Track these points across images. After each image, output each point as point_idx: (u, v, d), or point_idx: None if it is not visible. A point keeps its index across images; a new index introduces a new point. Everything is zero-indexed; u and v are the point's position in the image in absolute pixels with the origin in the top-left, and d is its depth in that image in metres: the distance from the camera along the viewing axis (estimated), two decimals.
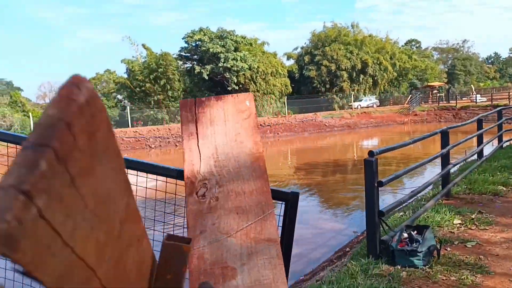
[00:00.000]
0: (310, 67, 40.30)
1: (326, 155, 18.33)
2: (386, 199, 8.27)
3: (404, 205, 4.10)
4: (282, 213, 1.88)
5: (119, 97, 41.05)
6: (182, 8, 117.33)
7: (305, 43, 44.64)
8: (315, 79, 40.08)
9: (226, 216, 1.54)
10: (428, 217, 4.07)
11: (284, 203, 1.86)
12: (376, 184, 2.99)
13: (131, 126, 30.02)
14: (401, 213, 4.53)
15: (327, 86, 40.58)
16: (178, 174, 1.85)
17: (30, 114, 30.27)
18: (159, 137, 26.59)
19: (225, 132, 1.61)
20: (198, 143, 1.65)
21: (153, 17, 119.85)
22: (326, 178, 12.27)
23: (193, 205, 1.60)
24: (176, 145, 26.16)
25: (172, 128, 27.57)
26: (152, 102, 35.25)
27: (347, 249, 6.04)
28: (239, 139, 1.58)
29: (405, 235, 3.03)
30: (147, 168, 2.03)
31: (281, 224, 1.86)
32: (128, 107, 32.82)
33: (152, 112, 34.79)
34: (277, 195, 1.79)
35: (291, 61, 44.41)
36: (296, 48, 45.06)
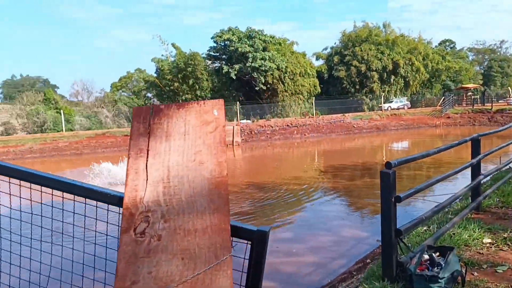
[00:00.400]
0: (339, 68, 39.64)
1: (353, 157, 17.85)
2: (407, 209, 7.87)
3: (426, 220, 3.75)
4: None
5: (149, 95, 41.63)
6: (215, 8, 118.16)
7: (335, 43, 44.03)
8: (344, 80, 39.39)
9: (167, 262, 1.23)
10: (454, 234, 3.72)
11: (249, 243, 1.51)
12: (393, 200, 2.70)
13: None
14: (424, 227, 4.18)
15: (357, 87, 39.81)
16: (119, 200, 1.51)
17: (61, 111, 31.04)
18: None
19: (183, 149, 1.30)
20: (147, 163, 1.33)
21: (185, 17, 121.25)
22: (353, 182, 11.87)
23: (128, 245, 1.30)
24: None
25: None
26: (180, 101, 35.51)
27: (368, 260, 5.72)
28: (199, 159, 1.27)
29: (426, 257, 2.73)
30: (80, 191, 1.70)
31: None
32: None
33: None
34: (239, 233, 1.48)
35: (321, 61, 43.88)
36: (326, 48, 44.49)
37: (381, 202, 2.73)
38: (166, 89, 36.18)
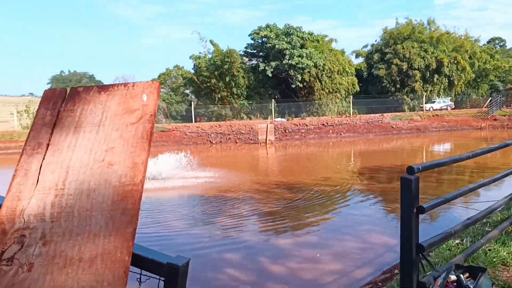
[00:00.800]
0: (379, 66, 38.46)
1: (390, 159, 17.17)
2: (437, 216, 7.34)
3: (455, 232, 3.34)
4: None
5: (187, 92, 42.08)
6: (255, 5, 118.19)
7: (375, 40, 42.75)
8: (384, 79, 38.18)
9: None
10: (490, 250, 3.30)
11: (161, 278, 1.13)
12: (415, 210, 2.36)
13: (195, 121, 30.56)
14: (457, 240, 3.76)
15: (397, 86, 38.49)
16: None
17: None
18: (220, 133, 26.72)
19: (92, 145, 0.97)
20: (42, 162, 1.02)
21: (226, 15, 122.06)
22: (388, 185, 11.33)
23: None
24: (237, 142, 26.13)
25: (234, 124, 27.59)
26: (217, 99, 35.64)
27: (396, 270, 5.32)
28: (109, 159, 0.94)
29: (453, 277, 2.37)
30: None
31: None
32: (192, 103, 33.45)
33: (216, 108, 35.18)
34: (145, 264, 1.12)
35: (360, 59, 42.74)
36: (366, 46, 43.26)
37: (401, 212, 2.40)
38: (203, 86, 36.40)
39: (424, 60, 37.34)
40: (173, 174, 12.61)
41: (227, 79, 34.79)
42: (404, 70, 37.44)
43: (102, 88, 0.97)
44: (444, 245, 3.60)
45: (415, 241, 2.37)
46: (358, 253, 6.06)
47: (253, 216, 8.20)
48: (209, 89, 36.20)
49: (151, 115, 0.94)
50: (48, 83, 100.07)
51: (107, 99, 0.98)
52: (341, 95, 36.78)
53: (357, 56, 43.05)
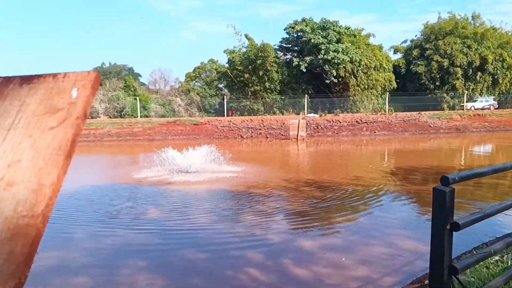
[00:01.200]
0: (419, 62, 37.18)
1: (426, 160, 16.50)
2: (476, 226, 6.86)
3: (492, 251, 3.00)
4: None
5: (220, 86, 42.20)
6: (291, 0, 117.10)
7: (415, 35, 41.27)
8: (423, 75, 36.89)
9: None
10: None
11: None
12: (448, 227, 2.08)
13: (227, 115, 30.59)
14: (496, 257, 3.41)
15: (437, 83, 37.10)
16: None
17: (138, 98, 32.42)
18: (251, 127, 26.60)
19: None
20: None
21: (262, 9, 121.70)
22: (423, 187, 10.81)
23: None
24: (267, 137, 25.94)
25: (265, 119, 27.40)
26: (250, 93, 35.53)
27: (426, 281, 5.00)
28: (10, 177, 0.67)
29: None
30: None
31: None
32: (225, 97, 33.49)
33: (248, 102, 35.10)
34: None
35: (398, 55, 41.47)
36: (405, 41, 41.91)
37: (432, 228, 2.12)
38: (236, 80, 36.37)
39: (467, 57, 35.78)
40: (202, 168, 12.59)
41: (261, 73, 34.58)
42: (445, 67, 36.02)
43: (25, 79, 0.74)
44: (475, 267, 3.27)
45: (447, 261, 2.09)
46: (387, 259, 5.74)
47: (278, 214, 7.99)
48: (242, 83, 36.14)
49: (78, 117, 0.69)
50: None
51: (28, 94, 0.73)
52: (377, 91, 35.83)
53: (395, 52, 41.79)
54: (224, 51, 37.41)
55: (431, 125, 27.91)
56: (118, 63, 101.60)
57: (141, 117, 31.38)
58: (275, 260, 5.68)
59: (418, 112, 29.79)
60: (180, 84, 45.75)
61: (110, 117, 33.77)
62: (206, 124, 26.98)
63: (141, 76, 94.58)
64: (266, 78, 35.05)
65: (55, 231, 7.09)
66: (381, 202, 9.04)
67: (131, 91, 36.81)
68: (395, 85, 37.00)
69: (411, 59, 38.33)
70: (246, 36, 37.62)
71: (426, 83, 37.11)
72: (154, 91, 45.09)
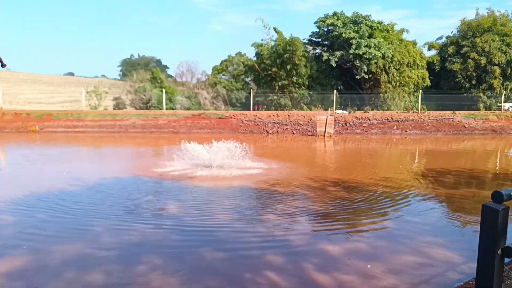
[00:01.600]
0: (454, 60, 35.81)
1: (460, 162, 15.78)
2: None
3: None
4: None
5: (247, 79, 41.94)
6: None
7: (451, 32, 39.73)
8: (459, 73, 35.52)
9: None
10: None
11: None
12: (499, 252, 1.72)
13: (253, 110, 30.34)
14: None
15: (473, 82, 35.67)
16: None
17: (164, 90, 32.58)
18: (277, 122, 26.24)
19: None
20: None
21: (293, 2, 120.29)
22: (456, 190, 10.25)
23: None
24: (294, 133, 25.55)
25: (292, 115, 26.97)
26: (277, 87, 35.12)
27: None
28: None
29: None
30: None
31: None
32: (251, 91, 33.22)
33: (275, 97, 34.72)
34: None
35: (433, 52, 40.05)
36: (441, 38, 40.44)
37: (479, 252, 1.77)
38: (264, 74, 36.00)
39: (506, 55, 34.21)
40: (225, 163, 12.37)
41: (288, 67, 34.09)
42: (482, 65, 34.58)
43: None
44: None
45: None
46: (415, 268, 5.34)
47: (301, 215, 7.66)
48: (270, 77, 35.75)
49: None
50: (118, 66, 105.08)
51: None
52: (409, 89, 34.76)
53: (429, 48, 40.40)
54: (252, 45, 37.11)
55: (466, 126, 26.82)
56: (147, 54, 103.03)
57: (166, 109, 31.51)
58: (296, 264, 5.38)
59: (452, 112, 28.67)
60: (206, 77, 45.79)
61: (137, 109, 34.10)
62: (231, 118, 26.80)
63: (168, 68, 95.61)
64: (294, 73, 34.53)
65: (73, 224, 7.02)
66: (411, 205, 8.57)
67: (158, 83, 37.06)
68: (429, 83, 35.78)
69: (446, 56, 36.96)
70: (275, 29, 37.18)
71: (462, 81, 35.73)
72: (181, 84, 45.31)
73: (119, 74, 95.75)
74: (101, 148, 20.08)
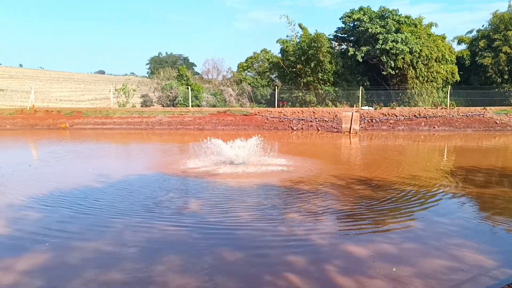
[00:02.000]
0: (485, 54, 34.61)
1: (491, 159, 15.24)
2: None
3: None
4: None
5: (273, 76, 41.77)
6: None
7: (482, 25, 38.37)
8: (490, 68, 34.32)
9: None
10: None
11: None
12: None
13: (277, 106, 30.17)
14: None
15: (505, 77, 34.40)
16: None
17: (189, 87, 32.79)
18: (302, 119, 26.00)
19: None
20: None
21: None
22: (487, 189, 9.85)
23: None
24: (318, 130, 25.27)
25: (317, 111, 26.67)
26: (302, 84, 34.82)
27: None
28: None
29: None
30: None
31: None
32: (276, 87, 33.03)
33: (300, 93, 34.43)
34: None
35: (462, 46, 38.83)
36: (471, 31, 39.10)
37: None
38: (289, 71, 35.74)
39: None
40: (249, 160, 12.33)
41: (313, 64, 33.72)
42: None
43: None
44: None
45: None
46: (444, 273, 5.12)
47: (325, 214, 7.51)
48: (295, 74, 35.47)
49: None
50: (147, 64, 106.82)
51: None
52: (438, 84, 33.81)
53: (459, 43, 39.15)
54: (277, 41, 36.85)
55: (497, 122, 25.87)
56: (174, 52, 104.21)
57: (192, 106, 31.72)
58: (319, 266, 5.25)
59: (482, 107, 27.71)
60: (232, 74, 45.86)
61: (163, 106, 34.46)
62: (256, 114, 26.72)
63: (195, 65, 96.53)
64: (319, 69, 34.13)
65: (94, 221, 7.08)
66: (439, 205, 8.27)
67: (184, 80, 37.32)
68: (458, 78, 34.71)
69: (476, 50, 35.74)
70: (300, 25, 36.82)
71: (493, 76, 34.49)
72: (207, 81, 45.57)
73: (148, 72, 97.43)
74: (127, 145, 20.37)
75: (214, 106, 34.24)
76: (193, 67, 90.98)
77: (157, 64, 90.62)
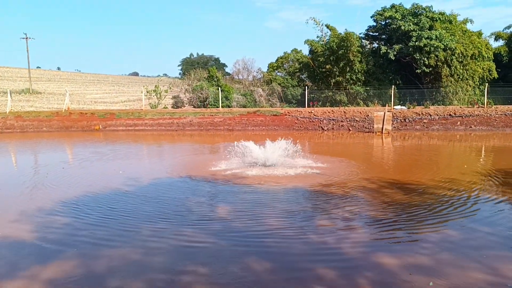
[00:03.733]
0: None
1: None
2: None
3: None
4: None
5: (303, 76, 41.36)
6: None
7: None
8: None
9: None
10: None
11: None
12: None
13: (308, 106, 29.83)
14: None
15: None
16: None
17: (219, 88, 32.88)
18: (332, 119, 25.58)
19: None
20: None
21: None
22: None
23: None
24: (350, 130, 24.80)
25: (348, 111, 26.17)
26: (332, 83, 34.31)
27: None
28: None
29: None
30: None
31: None
32: (306, 87, 32.67)
33: (330, 93, 33.94)
34: None
35: (500, 42, 37.26)
36: (509, 27, 37.47)
37: None
38: (318, 71, 35.30)
39: None
40: (279, 161, 12.17)
41: (342, 64, 33.17)
42: None
43: None
44: None
45: None
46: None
47: (356, 221, 7.26)
48: (324, 74, 35.00)
49: None
50: (179, 65, 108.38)
51: None
52: (474, 82, 32.55)
53: (496, 39, 37.60)
54: (305, 42, 36.53)
55: None
56: (206, 53, 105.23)
57: (222, 107, 31.81)
58: (350, 279, 5.03)
59: None
60: (262, 74, 45.70)
61: (194, 107, 34.72)
62: (286, 115, 26.50)
63: (226, 66, 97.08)
64: (349, 69, 33.53)
65: (120, 226, 7.07)
66: (478, 212, 7.84)
67: (214, 81, 37.47)
68: (496, 75, 33.32)
69: None
70: (327, 26, 36.33)
71: None
72: (237, 81, 45.59)
73: (179, 73, 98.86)
74: (158, 146, 20.60)
75: (244, 106, 34.21)
76: (224, 68, 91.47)
77: (189, 65, 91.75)
